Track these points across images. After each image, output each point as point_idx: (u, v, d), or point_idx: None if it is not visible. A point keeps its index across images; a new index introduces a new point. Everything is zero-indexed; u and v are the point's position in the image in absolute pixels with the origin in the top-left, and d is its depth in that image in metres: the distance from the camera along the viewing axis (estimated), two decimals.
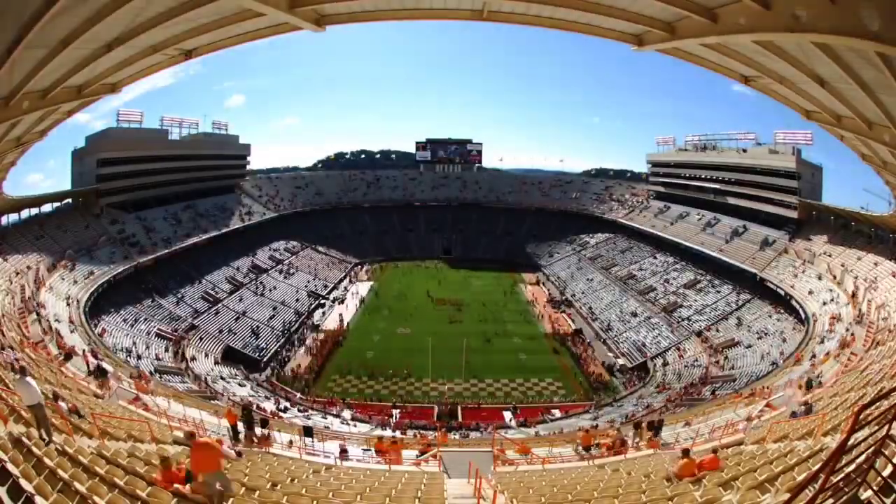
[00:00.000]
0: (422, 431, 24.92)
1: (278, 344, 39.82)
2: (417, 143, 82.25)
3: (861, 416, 4.38)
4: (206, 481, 6.52)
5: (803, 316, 32.28)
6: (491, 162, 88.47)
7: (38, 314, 24.62)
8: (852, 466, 4.19)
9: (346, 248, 66.81)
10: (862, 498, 4.01)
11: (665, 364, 36.02)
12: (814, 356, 24.57)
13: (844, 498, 3.99)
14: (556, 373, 35.18)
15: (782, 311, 35.99)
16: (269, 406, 26.50)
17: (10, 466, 5.95)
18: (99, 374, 18.53)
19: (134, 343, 30.53)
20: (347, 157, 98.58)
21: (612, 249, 60.28)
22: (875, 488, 4.04)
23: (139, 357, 28.79)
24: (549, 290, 56.07)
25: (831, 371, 20.05)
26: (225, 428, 14.35)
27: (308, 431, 15.98)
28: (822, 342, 26.56)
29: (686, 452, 9.31)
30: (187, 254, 46.36)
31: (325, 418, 26.73)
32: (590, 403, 30.99)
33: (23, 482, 5.78)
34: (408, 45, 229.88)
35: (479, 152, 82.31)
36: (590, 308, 48.09)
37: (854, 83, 8.51)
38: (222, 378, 31.03)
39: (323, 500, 8.00)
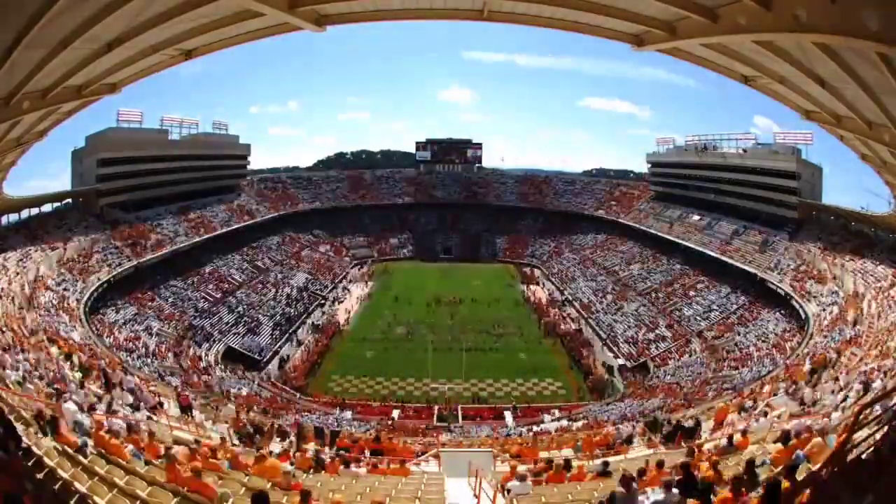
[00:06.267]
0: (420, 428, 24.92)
1: (278, 344, 39.84)
2: (417, 143, 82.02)
3: (861, 416, 4.39)
4: None
5: (803, 316, 32.27)
6: (491, 162, 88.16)
7: (37, 314, 24.62)
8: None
9: (346, 247, 66.89)
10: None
11: (665, 364, 36.02)
12: (814, 356, 24.54)
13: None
14: (556, 373, 35.19)
15: (782, 311, 35.97)
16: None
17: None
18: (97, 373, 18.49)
19: (133, 343, 30.53)
20: (347, 157, 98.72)
21: (612, 249, 60.27)
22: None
23: (139, 357, 28.78)
24: (549, 289, 56.08)
25: (831, 371, 20.03)
26: (225, 429, 14.39)
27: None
28: (822, 342, 26.54)
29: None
30: (187, 253, 46.38)
31: (327, 418, 26.71)
32: (589, 404, 30.99)
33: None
34: (408, 45, 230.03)
35: (480, 152, 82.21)
36: (590, 308, 48.09)
37: (854, 83, 8.49)
38: (223, 378, 31.02)
39: (323, 500, 7.99)
